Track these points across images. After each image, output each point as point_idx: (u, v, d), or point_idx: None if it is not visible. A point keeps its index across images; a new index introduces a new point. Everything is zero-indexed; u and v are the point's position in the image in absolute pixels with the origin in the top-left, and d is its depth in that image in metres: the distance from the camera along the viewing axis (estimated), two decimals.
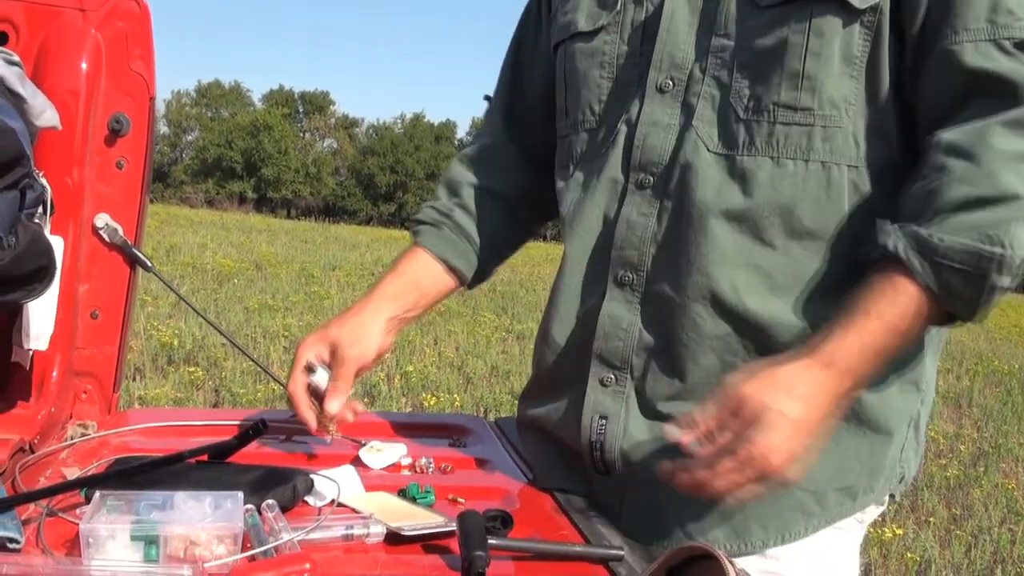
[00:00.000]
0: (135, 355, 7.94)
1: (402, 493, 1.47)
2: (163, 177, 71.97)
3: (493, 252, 1.84)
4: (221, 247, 19.08)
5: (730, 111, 1.44)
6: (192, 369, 7.69)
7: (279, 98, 79.68)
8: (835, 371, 1.29)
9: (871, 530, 5.16)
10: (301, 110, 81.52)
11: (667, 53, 1.50)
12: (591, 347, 1.52)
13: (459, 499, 1.48)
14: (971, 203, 1.28)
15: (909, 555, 5.17)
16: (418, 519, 1.32)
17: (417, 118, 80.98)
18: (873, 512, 1.52)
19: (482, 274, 1.84)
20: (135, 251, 1.90)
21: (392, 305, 1.72)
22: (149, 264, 1.94)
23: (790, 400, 1.26)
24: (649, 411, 1.49)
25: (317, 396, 1.64)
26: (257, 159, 70.93)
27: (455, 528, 1.22)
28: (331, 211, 68.39)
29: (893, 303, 1.30)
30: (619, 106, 1.56)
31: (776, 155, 1.41)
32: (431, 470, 1.64)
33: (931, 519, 5.96)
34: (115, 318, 1.91)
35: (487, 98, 1.91)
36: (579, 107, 1.61)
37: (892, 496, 1.55)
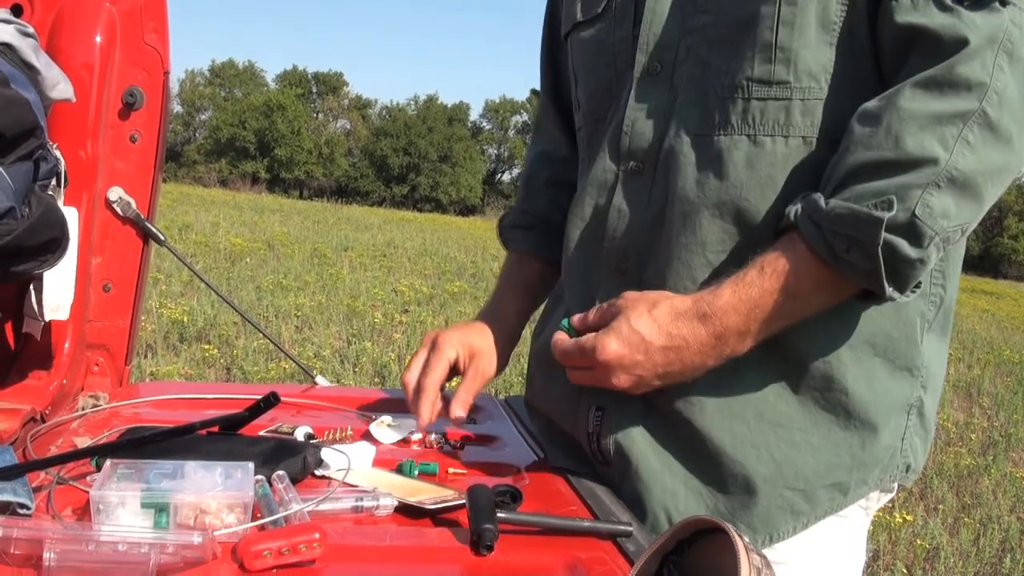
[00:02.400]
0: (147, 332, 7.97)
1: (398, 470, 1.46)
2: (176, 156, 72.16)
3: None
4: (233, 226, 19.13)
5: (710, 90, 1.38)
6: (204, 347, 7.71)
7: (293, 78, 79.80)
8: (698, 311, 1.29)
9: (881, 516, 5.16)
10: (315, 91, 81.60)
11: (652, 34, 1.44)
12: None
13: (461, 472, 1.49)
14: (871, 168, 1.23)
15: (918, 542, 5.17)
16: (428, 494, 1.32)
17: (431, 100, 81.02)
18: (879, 499, 1.48)
19: None
20: (148, 224, 1.91)
21: (518, 323, 1.76)
22: (162, 237, 1.94)
23: (644, 317, 1.31)
24: (641, 402, 1.44)
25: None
26: (270, 139, 71.09)
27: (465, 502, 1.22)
28: (344, 192, 68.62)
29: (782, 258, 1.27)
30: (616, 95, 1.51)
31: (752, 132, 1.35)
32: (439, 443, 1.64)
33: (940, 506, 5.96)
34: (127, 291, 1.92)
35: (534, 92, 1.90)
36: (589, 98, 1.58)
37: (901, 486, 1.50)
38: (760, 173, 1.34)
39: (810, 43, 1.31)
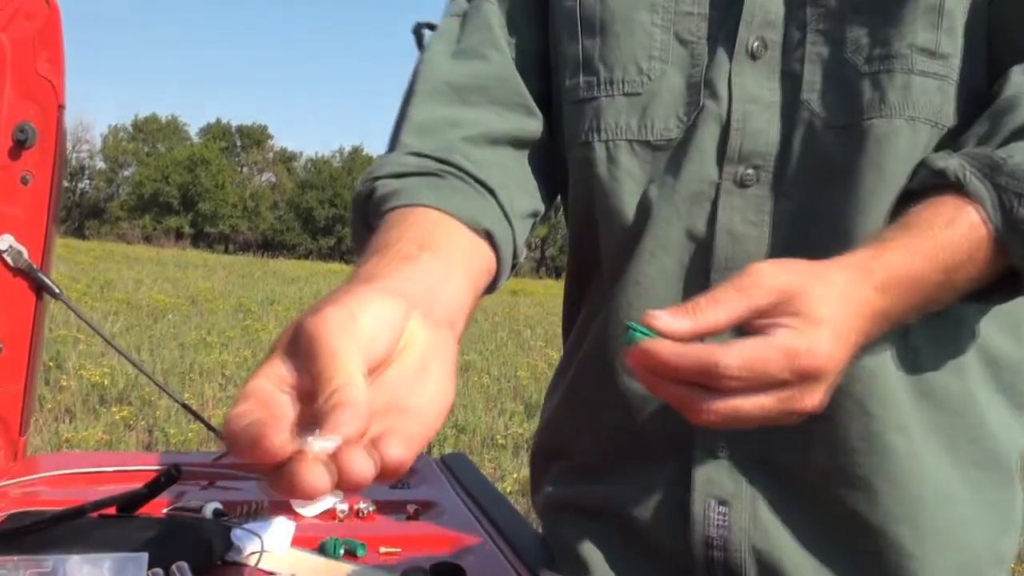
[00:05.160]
0: (66, 396, 7.70)
1: (320, 549, 1.29)
2: (99, 213, 71.83)
3: (526, 212, 1.20)
4: (156, 283, 18.88)
5: (848, 68, 1.07)
6: (124, 410, 7.46)
7: (216, 132, 79.67)
8: (874, 282, 0.91)
9: None
10: (239, 144, 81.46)
11: (759, 7, 1.11)
12: None
13: (393, 549, 1.31)
14: None
15: None
16: None
17: (356, 151, 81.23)
18: None
19: (515, 251, 1.14)
20: (42, 276, 1.72)
21: (403, 285, 0.83)
22: (57, 291, 1.76)
23: (836, 294, 0.88)
24: (784, 487, 1.11)
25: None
26: (194, 194, 70.87)
27: None
28: (269, 245, 68.57)
29: (949, 228, 0.95)
30: (689, 71, 1.15)
31: (914, 115, 1.05)
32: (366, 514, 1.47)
33: None
34: (20, 352, 1.73)
35: (423, 27, 1.32)
36: (617, 61, 1.17)
37: None
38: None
39: (961, 15, 1.07)
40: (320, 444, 0.63)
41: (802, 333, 0.83)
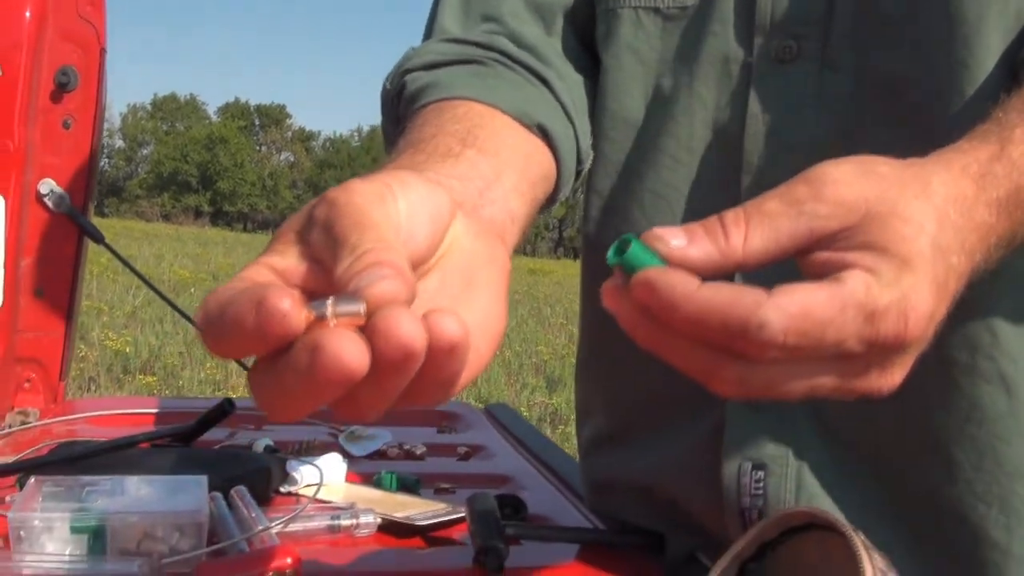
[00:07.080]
0: (89, 364, 7.72)
1: (376, 483, 1.26)
2: (118, 191, 72.16)
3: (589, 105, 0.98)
4: (177, 258, 18.90)
5: None
6: (148, 378, 7.48)
7: (235, 111, 79.78)
8: (1002, 207, 0.63)
9: None
10: (257, 123, 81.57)
11: None
12: None
13: (450, 487, 1.29)
14: None
15: None
16: (415, 508, 1.13)
17: (374, 130, 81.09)
18: None
19: (579, 153, 0.93)
20: (84, 221, 1.70)
21: (445, 180, 0.66)
22: (101, 236, 1.74)
23: (936, 218, 0.59)
24: (843, 453, 0.89)
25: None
26: (213, 172, 71.10)
27: (464, 515, 1.03)
28: None
29: None
30: None
31: None
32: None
33: None
34: (62, 297, 1.71)
35: None
36: None
37: None
38: None
39: None
40: (345, 306, 0.48)
41: (885, 281, 0.56)
